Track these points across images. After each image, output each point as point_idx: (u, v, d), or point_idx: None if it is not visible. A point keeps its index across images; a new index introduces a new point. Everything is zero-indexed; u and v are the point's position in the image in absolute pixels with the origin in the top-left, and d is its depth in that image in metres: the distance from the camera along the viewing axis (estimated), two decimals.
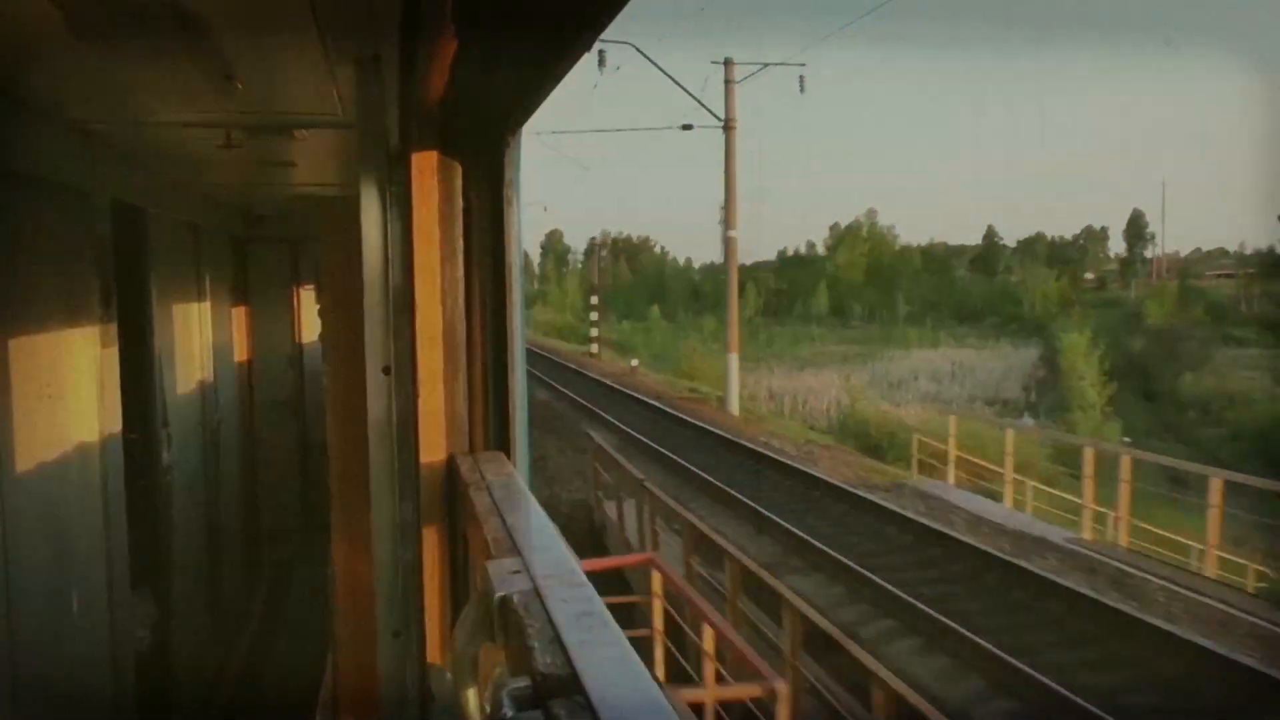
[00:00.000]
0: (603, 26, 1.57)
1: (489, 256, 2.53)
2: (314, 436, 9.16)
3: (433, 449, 2.54)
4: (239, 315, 8.59)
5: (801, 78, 25.97)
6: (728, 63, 26.85)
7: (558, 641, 1.33)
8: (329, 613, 3.44)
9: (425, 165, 2.44)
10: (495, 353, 2.56)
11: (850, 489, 15.79)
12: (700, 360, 38.65)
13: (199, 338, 6.63)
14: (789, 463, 18.00)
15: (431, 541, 2.57)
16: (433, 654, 2.58)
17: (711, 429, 21.64)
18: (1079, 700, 7.89)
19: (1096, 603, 10.14)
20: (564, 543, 1.81)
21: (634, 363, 38.62)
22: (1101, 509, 13.85)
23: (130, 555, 4.48)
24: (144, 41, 2.71)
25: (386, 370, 2.54)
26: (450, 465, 2.53)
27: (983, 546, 12.30)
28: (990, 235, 78.75)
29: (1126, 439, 24.56)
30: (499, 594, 1.53)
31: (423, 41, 1.93)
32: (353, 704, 3.14)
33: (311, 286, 9.77)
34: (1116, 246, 76.18)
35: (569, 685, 1.22)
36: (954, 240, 78.99)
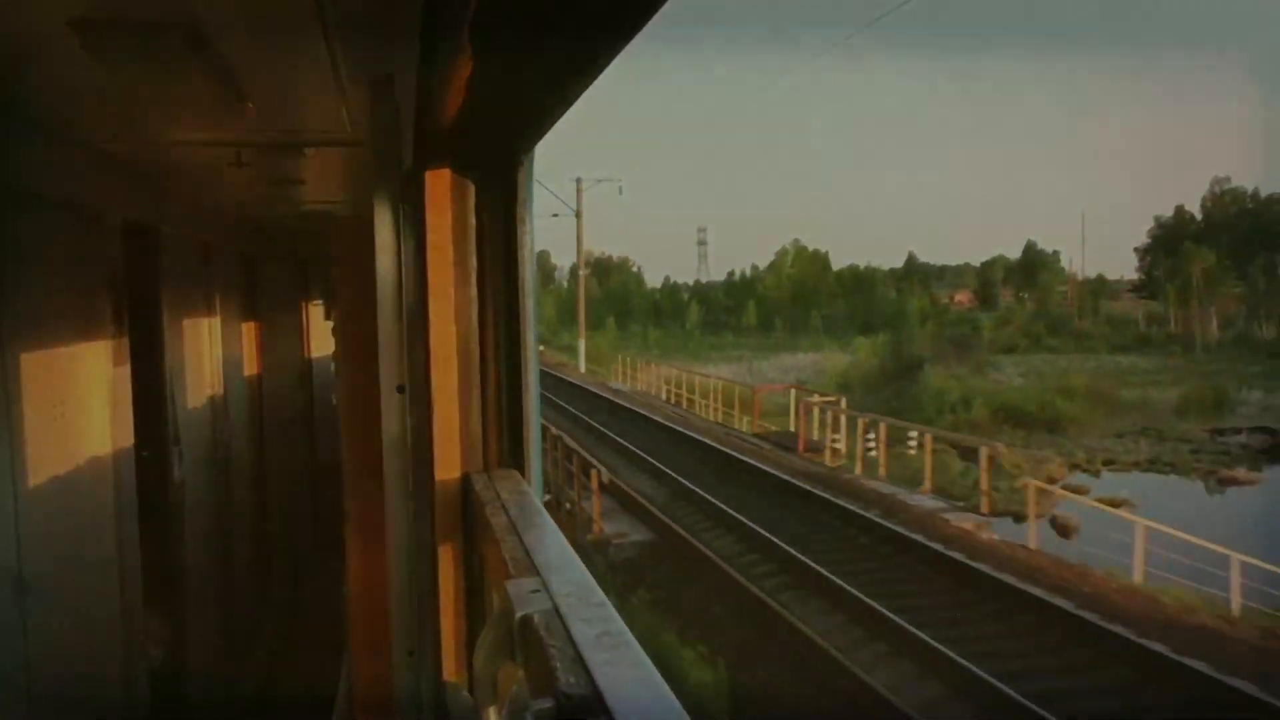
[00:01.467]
0: (621, 46, 1.57)
1: (502, 274, 2.54)
2: (324, 453, 9.17)
3: (447, 467, 2.54)
4: (249, 332, 8.61)
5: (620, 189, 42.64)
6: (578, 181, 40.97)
7: (580, 661, 1.33)
8: (343, 631, 3.44)
9: (438, 184, 2.45)
10: (509, 370, 2.57)
11: (630, 406, 33.63)
12: (608, 353, 55.75)
13: (209, 355, 6.64)
14: (602, 394, 37.78)
15: (447, 560, 2.57)
16: (448, 673, 2.58)
17: (566, 378, 43.35)
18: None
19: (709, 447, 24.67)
20: (580, 562, 1.81)
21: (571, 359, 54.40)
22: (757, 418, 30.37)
23: (143, 573, 4.48)
24: (157, 61, 2.72)
25: (401, 389, 2.54)
26: (465, 483, 2.54)
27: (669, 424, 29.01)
28: (910, 259, 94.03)
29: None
30: (519, 613, 1.53)
31: (437, 60, 1.94)
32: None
33: (321, 304, 9.81)
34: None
35: (593, 705, 1.22)
36: (897, 264, 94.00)
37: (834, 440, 23.78)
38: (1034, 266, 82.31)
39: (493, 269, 2.53)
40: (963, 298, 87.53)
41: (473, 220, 2.49)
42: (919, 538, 15.81)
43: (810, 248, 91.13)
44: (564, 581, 1.66)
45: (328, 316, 9.56)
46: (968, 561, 14.50)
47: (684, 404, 35.38)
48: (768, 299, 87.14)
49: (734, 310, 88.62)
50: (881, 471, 21.77)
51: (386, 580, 2.62)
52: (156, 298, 5.21)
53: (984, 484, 19.06)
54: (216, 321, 6.85)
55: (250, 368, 8.57)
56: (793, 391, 30.87)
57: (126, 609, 4.27)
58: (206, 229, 6.63)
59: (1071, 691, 10.71)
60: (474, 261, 2.51)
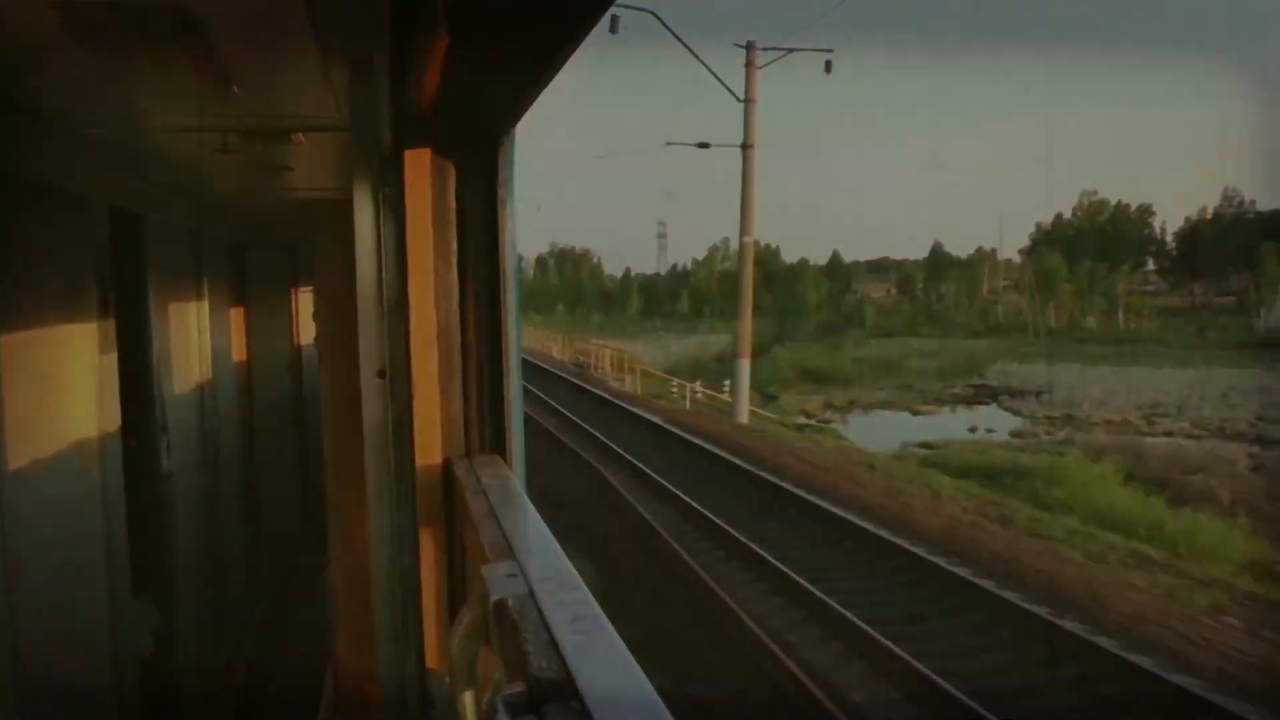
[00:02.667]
0: (595, 22, 1.56)
1: (483, 257, 2.52)
2: (313, 441, 9.14)
3: (429, 452, 2.53)
4: (237, 320, 8.58)
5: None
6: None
7: (553, 646, 1.32)
8: (329, 617, 3.43)
9: (418, 166, 2.43)
10: (490, 355, 2.55)
11: (542, 364, 43.14)
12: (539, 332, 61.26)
13: (198, 343, 6.62)
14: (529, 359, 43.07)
15: (429, 546, 2.56)
16: (431, 659, 2.57)
17: None
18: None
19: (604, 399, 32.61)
20: (559, 546, 1.80)
21: None
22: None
23: (131, 562, 4.47)
24: (142, 46, 2.70)
25: (381, 374, 2.53)
26: (446, 469, 2.52)
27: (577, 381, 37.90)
28: (835, 256, 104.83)
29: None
30: (494, 598, 1.52)
31: (414, 42, 1.92)
32: (353, 709, 3.13)
33: (310, 291, 9.77)
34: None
35: (564, 690, 1.21)
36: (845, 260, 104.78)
37: (603, 368, 42.80)
38: (940, 265, 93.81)
39: (474, 252, 2.51)
40: (883, 292, 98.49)
41: (453, 202, 2.47)
42: (606, 396, 33.38)
43: (762, 243, 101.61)
44: (541, 565, 1.65)
45: (314, 304, 9.53)
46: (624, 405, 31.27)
47: (579, 361, 46.82)
48: (700, 289, 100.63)
49: (672, 298, 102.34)
50: (626, 383, 38.74)
51: (369, 567, 2.61)
52: (143, 284, 5.18)
53: (684, 392, 37.02)
54: (205, 309, 6.83)
55: (239, 355, 8.54)
56: (608, 350, 46.45)
57: (115, 598, 4.26)
58: (194, 215, 6.59)
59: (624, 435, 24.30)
60: (455, 244, 2.49)
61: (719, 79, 27.05)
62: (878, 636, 10.17)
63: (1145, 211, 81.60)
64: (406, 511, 2.56)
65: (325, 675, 4.49)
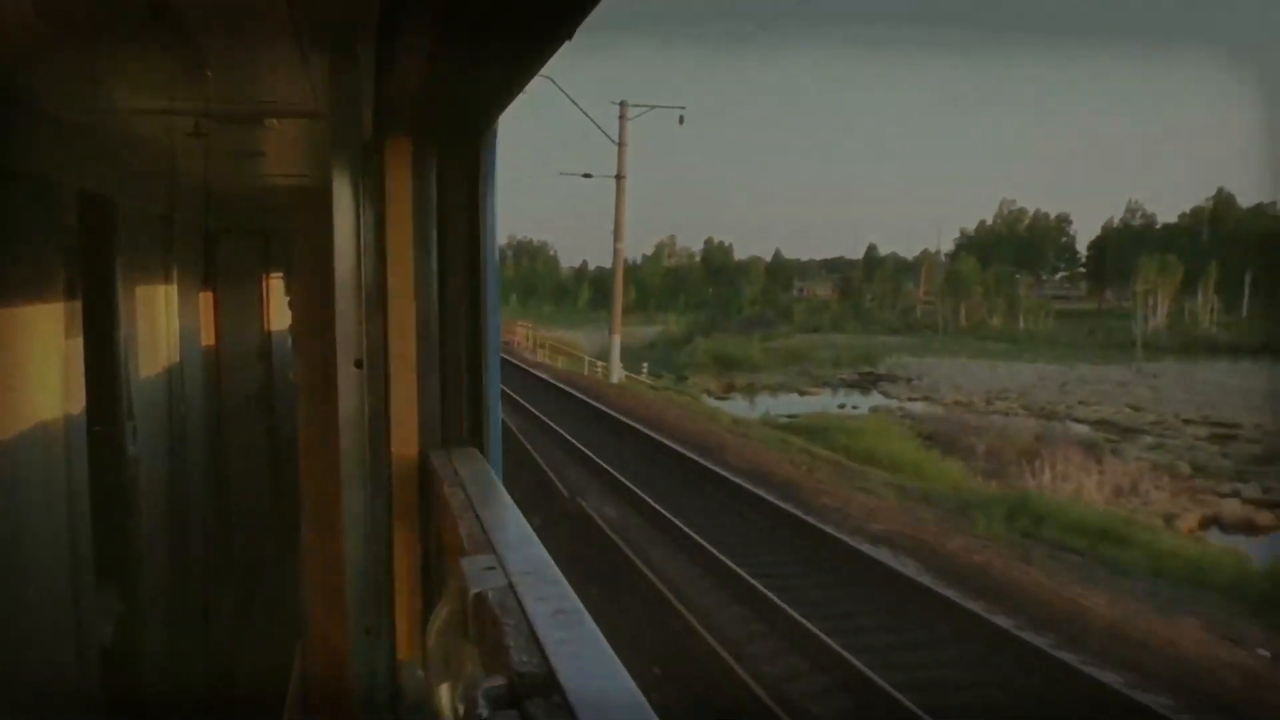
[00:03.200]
0: (583, 16, 1.54)
1: (464, 249, 2.50)
2: (283, 429, 9.07)
3: (405, 443, 2.51)
4: (208, 306, 8.49)
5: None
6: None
7: (534, 639, 1.31)
8: (299, 608, 3.41)
9: (399, 156, 2.41)
10: (469, 346, 2.54)
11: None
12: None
13: (166, 329, 6.54)
14: None
15: (403, 537, 2.54)
16: (404, 651, 2.56)
17: None
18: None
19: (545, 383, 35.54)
20: (538, 539, 1.79)
21: None
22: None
23: (95, 551, 4.41)
24: (114, 28, 2.66)
25: (358, 363, 2.51)
26: (423, 460, 2.51)
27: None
28: (777, 255, 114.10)
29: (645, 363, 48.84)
30: (473, 591, 1.51)
31: (398, 30, 1.90)
32: (323, 700, 3.11)
33: (282, 278, 9.70)
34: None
35: (546, 684, 1.20)
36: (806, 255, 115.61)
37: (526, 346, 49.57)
38: (874, 266, 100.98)
39: (454, 243, 2.50)
40: (827, 290, 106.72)
41: (434, 193, 2.45)
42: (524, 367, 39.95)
43: (715, 240, 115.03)
44: (520, 559, 1.64)
45: (289, 291, 9.46)
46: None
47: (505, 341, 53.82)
48: (645, 283, 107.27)
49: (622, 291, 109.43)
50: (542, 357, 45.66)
51: (342, 558, 2.59)
52: (112, 270, 5.11)
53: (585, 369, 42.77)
54: (174, 295, 6.75)
55: (208, 343, 8.46)
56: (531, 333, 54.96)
57: (78, 586, 4.21)
58: (165, 200, 6.51)
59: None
60: (435, 235, 2.47)
61: (602, 129, 35.43)
62: (640, 493, 16.79)
63: (1064, 220, 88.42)
64: (382, 502, 2.54)
65: (294, 666, 4.47)
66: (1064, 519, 17.23)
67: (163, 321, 6.46)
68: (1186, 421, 37.39)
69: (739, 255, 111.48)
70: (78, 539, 4.20)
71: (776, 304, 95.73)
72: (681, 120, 37.84)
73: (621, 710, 1.15)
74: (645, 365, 44.98)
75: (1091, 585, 12.83)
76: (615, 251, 37.95)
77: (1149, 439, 34.33)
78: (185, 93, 3.46)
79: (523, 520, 1.91)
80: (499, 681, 1.25)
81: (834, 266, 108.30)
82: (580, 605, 1.43)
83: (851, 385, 55.10)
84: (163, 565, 6.19)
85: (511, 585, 1.51)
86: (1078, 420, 39.12)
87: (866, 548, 13.77)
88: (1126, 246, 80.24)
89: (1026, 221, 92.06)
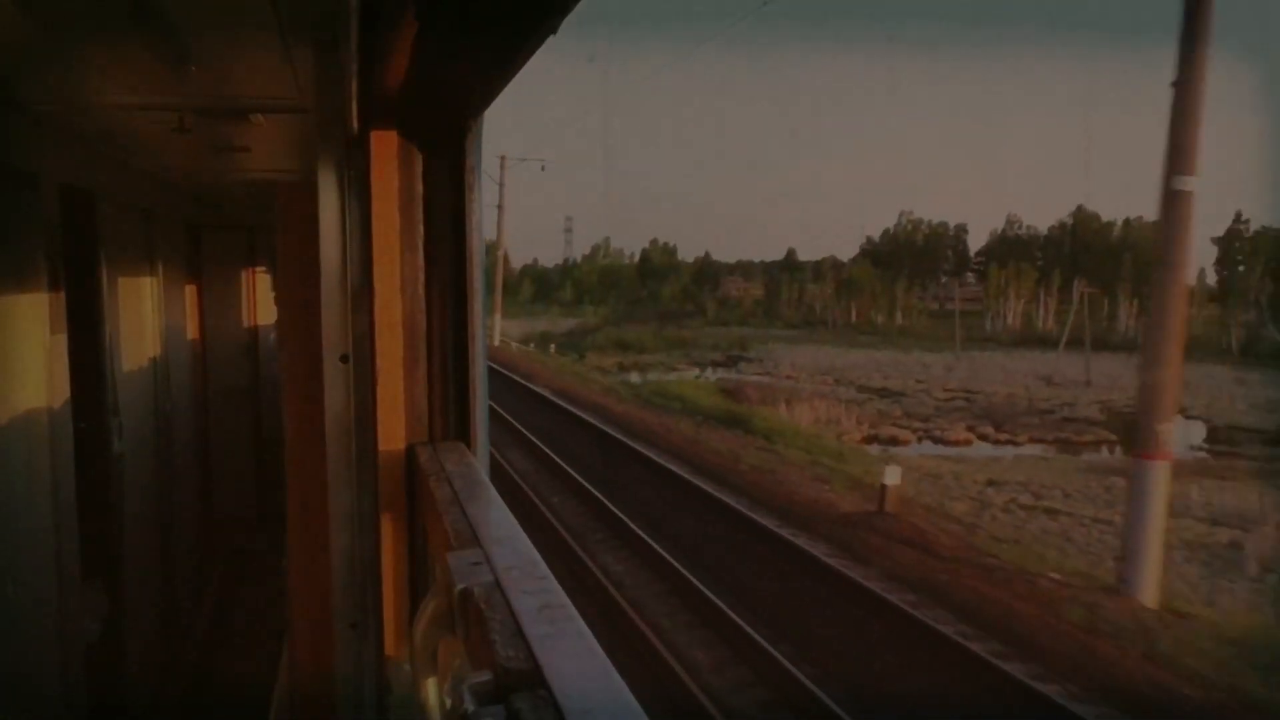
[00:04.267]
0: (568, 9, 1.54)
1: (450, 243, 2.49)
2: (268, 424, 9.05)
3: (391, 438, 2.51)
4: (192, 302, 8.46)
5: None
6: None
7: (520, 635, 1.31)
8: (285, 604, 3.40)
9: (385, 150, 2.40)
10: (456, 341, 2.53)
11: None
12: None
13: (151, 325, 6.51)
14: None
15: (389, 533, 2.54)
16: (390, 647, 2.55)
17: None
18: None
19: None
20: (525, 535, 1.79)
21: None
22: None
23: (80, 546, 4.39)
24: (96, 22, 2.64)
25: (344, 358, 2.50)
26: (409, 455, 2.50)
27: None
28: (706, 256, 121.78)
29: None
30: (459, 586, 1.51)
31: (382, 23, 1.89)
32: (308, 695, 3.10)
33: (267, 273, 9.66)
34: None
35: (531, 679, 1.20)
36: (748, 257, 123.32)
37: None
38: (790, 268, 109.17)
39: (440, 237, 2.49)
40: (751, 288, 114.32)
41: (420, 187, 2.44)
42: None
43: (660, 241, 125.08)
44: (506, 554, 1.64)
45: (274, 286, 9.43)
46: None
47: None
48: (581, 280, 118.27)
49: (560, 287, 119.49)
50: None
51: (328, 553, 2.59)
52: (95, 265, 5.08)
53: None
54: (159, 290, 6.72)
55: (193, 338, 8.42)
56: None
57: (63, 583, 4.18)
58: (149, 195, 6.48)
59: None
60: (421, 229, 2.46)
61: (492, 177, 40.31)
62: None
63: (961, 229, 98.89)
64: (368, 498, 2.53)
65: (279, 661, 4.46)
66: (750, 420, 29.90)
67: (147, 316, 6.43)
68: (946, 389, 48.01)
69: (683, 256, 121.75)
70: (63, 536, 4.18)
71: (697, 300, 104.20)
72: (543, 168, 48.92)
73: (607, 705, 1.15)
74: (553, 346, 56.21)
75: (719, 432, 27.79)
76: (497, 251, 43.71)
77: (904, 399, 44.69)
78: (170, 88, 3.44)
79: (509, 516, 1.90)
80: (485, 676, 1.25)
81: (770, 269, 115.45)
82: (567, 601, 1.43)
83: (719, 364, 64.62)
84: (148, 562, 6.17)
85: (497, 580, 1.51)
86: (856, 386, 49.48)
87: (613, 430, 26.04)
88: (1005, 254, 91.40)
89: (924, 231, 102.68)
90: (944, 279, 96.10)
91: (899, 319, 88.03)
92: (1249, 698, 10.41)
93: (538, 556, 1.64)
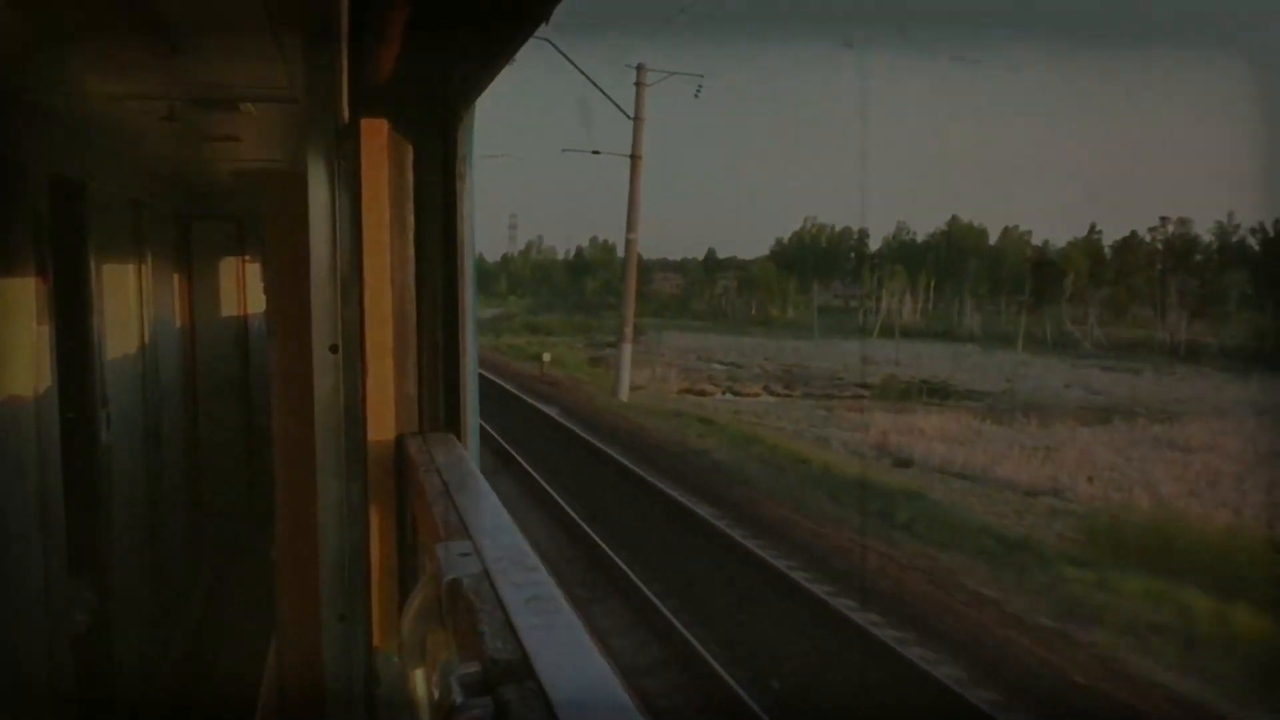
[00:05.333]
0: (556, 1, 1.53)
1: (440, 234, 2.48)
2: (258, 416, 9.02)
3: (381, 429, 2.50)
4: (182, 292, 8.43)
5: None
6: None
7: (509, 626, 1.31)
8: (273, 596, 3.39)
9: (375, 140, 2.39)
10: (446, 332, 2.52)
11: None
12: None
13: (140, 315, 6.48)
14: None
15: (379, 524, 2.53)
16: (379, 638, 2.55)
17: None
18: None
19: None
20: (516, 526, 1.78)
21: None
22: None
23: (68, 538, 4.37)
24: (86, 12, 2.62)
25: (334, 349, 2.49)
26: (399, 446, 2.49)
27: None
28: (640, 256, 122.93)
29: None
30: (448, 577, 1.50)
31: (373, 11, 1.88)
32: (296, 686, 3.10)
33: (257, 263, 9.63)
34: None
35: (520, 671, 1.20)
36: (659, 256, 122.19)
37: None
38: (710, 266, 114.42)
39: (430, 227, 2.48)
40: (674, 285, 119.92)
41: (411, 177, 2.43)
42: None
43: (599, 239, 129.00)
44: (496, 545, 1.64)
45: (265, 278, 9.39)
46: None
47: None
48: (516, 274, 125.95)
49: (495, 280, 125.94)
50: None
51: (317, 544, 2.58)
52: (84, 255, 5.05)
53: None
54: (148, 280, 6.69)
55: (182, 328, 8.39)
56: None
57: (50, 575, 4.16)
58: (138, 185, 6.45)
59: None
60: (411, 219, 2.45)
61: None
62: None
63: (864, 234, 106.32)
64: (357, 488, 2.52)
65: (268, 653, 4.44)
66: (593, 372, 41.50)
67: (136, 307, 6.40)
68: (779, 364, 56.35)
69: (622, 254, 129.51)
70: (50, 528, 4.16)
71: (618, 293, 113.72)
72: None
73: (597, 697, 1.15)
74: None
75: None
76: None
77: (739, 369, 53.63)
78: (159, 78, 3.42)
79: (500, 507, 1.90)
80: (473, 667, 1.24)
81: (693, 267, 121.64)
82: (556, 592, 1.43)
83: (610, 344, 76.92)
84: (137, 554, 6.15)
85: (487, 571, 1.50)
86: (711, 361, 57.70)
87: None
88: (894, 258, 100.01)
89: (826, 235, 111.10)
90: (847, 278, 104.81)
91: (789, 313, 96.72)
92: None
93: (528, 548, 1.63)
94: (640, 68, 32.16)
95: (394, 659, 2.35)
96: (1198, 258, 74.88)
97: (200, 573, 8.39)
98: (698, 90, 37.05)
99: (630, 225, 34.37)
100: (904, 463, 24.92)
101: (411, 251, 2.47)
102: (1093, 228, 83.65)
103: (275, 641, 3.80)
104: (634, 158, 33.19)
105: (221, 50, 3.14)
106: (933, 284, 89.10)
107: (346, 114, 2.36)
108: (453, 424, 2.55)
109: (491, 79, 2.10)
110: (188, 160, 6.07)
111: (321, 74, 2.39)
